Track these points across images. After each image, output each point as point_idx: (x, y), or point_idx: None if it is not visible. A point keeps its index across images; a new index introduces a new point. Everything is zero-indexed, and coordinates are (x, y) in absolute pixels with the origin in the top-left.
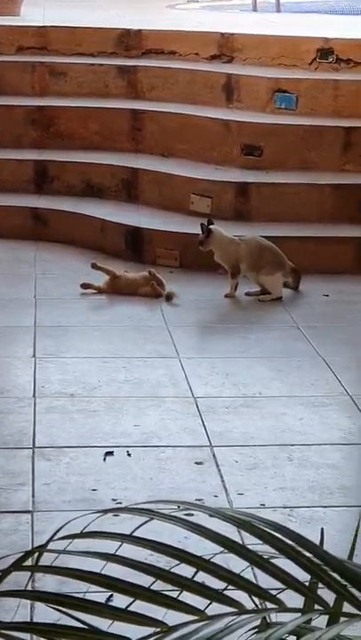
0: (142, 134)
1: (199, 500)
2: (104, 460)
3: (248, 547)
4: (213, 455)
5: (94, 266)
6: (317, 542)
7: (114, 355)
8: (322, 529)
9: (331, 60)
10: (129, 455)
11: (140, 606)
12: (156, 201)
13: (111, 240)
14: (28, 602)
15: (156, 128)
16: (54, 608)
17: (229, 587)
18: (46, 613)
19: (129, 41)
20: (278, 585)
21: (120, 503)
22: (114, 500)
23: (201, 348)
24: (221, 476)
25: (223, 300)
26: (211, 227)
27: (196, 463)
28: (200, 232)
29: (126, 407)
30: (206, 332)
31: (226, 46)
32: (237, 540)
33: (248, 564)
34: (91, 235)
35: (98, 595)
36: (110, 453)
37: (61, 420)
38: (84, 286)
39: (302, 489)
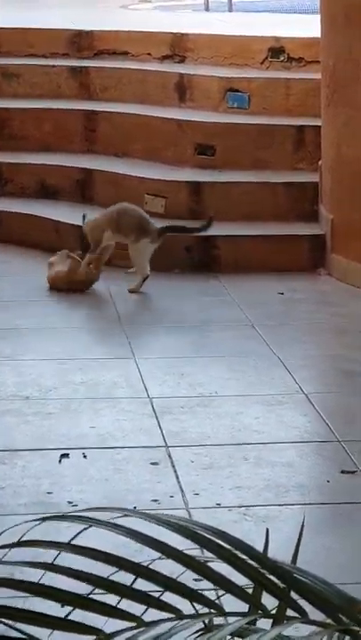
0: (96, 135)
1: (155, 500)
2: (60, 462)
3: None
4: (169, 455)
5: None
6: (269, 542)
7: (69, 356)
8: (267, 529)
9: (282, 58)
10: (85, 457)
11: (81, 615)
12: (111, 201)
13: (66, 241)
14: None
15: (109, 128)
16: None
17: (174, 594)
18: None
19: (81, 42)
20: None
21: (76, 505)
22: (70, 502)
23: (156, 348)
24: (177, 477)
25: (179, 300)
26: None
27: (152, 464)
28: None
29: (82, 409)
30: (162, 332)
31: (178, 46)
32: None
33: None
34: (45, 236)
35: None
36: (66, 455)
37: (16, 423)
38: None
39: (258, 488)
